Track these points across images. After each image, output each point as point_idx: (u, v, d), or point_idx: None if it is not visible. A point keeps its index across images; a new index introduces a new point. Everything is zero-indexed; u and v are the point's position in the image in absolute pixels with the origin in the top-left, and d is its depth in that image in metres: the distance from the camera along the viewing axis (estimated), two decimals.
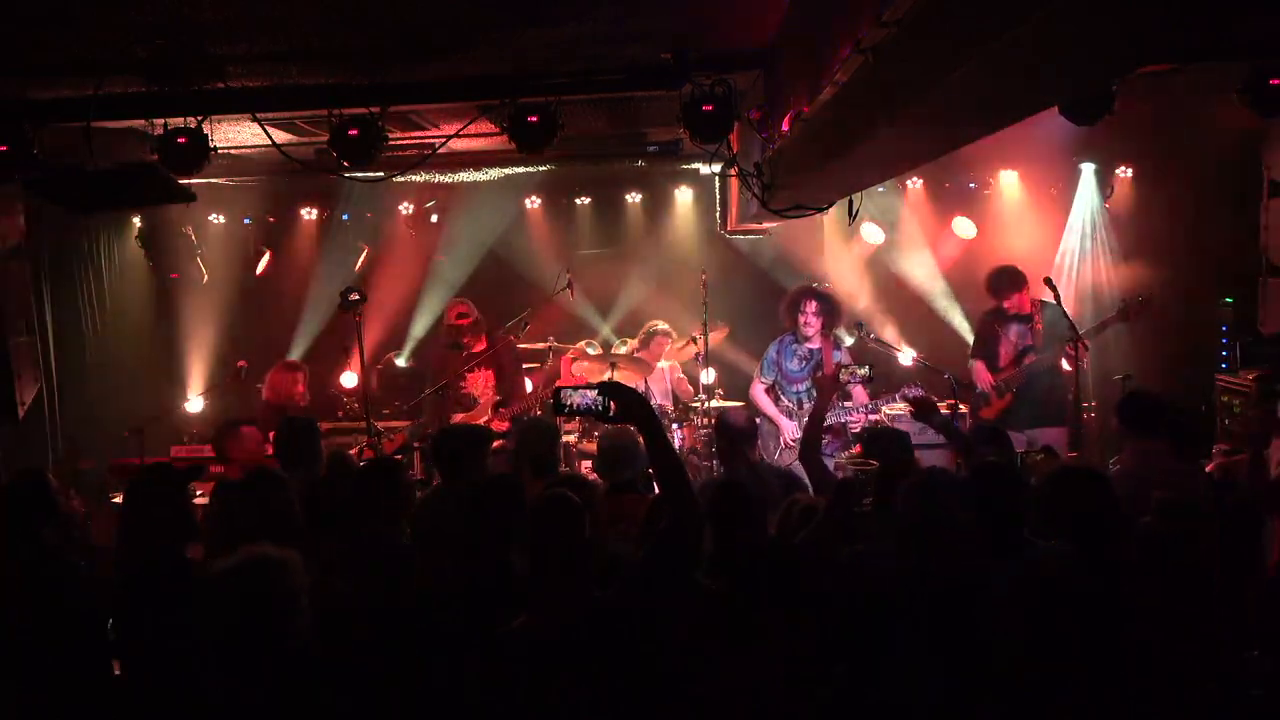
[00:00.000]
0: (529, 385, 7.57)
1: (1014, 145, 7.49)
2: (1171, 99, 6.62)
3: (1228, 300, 7.75)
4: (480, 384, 7.09)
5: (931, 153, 4.60)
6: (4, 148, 5.40)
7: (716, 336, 7.74)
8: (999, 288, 6.83)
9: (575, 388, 3.19)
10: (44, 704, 3.37)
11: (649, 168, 8.96)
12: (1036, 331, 6.73)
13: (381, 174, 6.47)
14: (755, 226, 7.79)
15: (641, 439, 3.15)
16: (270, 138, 5.72)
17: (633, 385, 6.43)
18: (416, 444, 7.06)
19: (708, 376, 7.66)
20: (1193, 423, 4.66)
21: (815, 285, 7.11)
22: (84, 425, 7.80)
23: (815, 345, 6.73)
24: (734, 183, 7.11)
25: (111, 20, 4.47)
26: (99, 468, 7.49)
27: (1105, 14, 2.25)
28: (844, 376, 4.80)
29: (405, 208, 9.51)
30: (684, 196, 9.44)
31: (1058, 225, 8.74)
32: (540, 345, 7.91)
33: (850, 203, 5.53)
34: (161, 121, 5.50)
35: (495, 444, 5.54)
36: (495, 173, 8.56)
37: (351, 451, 6.35)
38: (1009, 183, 8.81)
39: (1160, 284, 7.74)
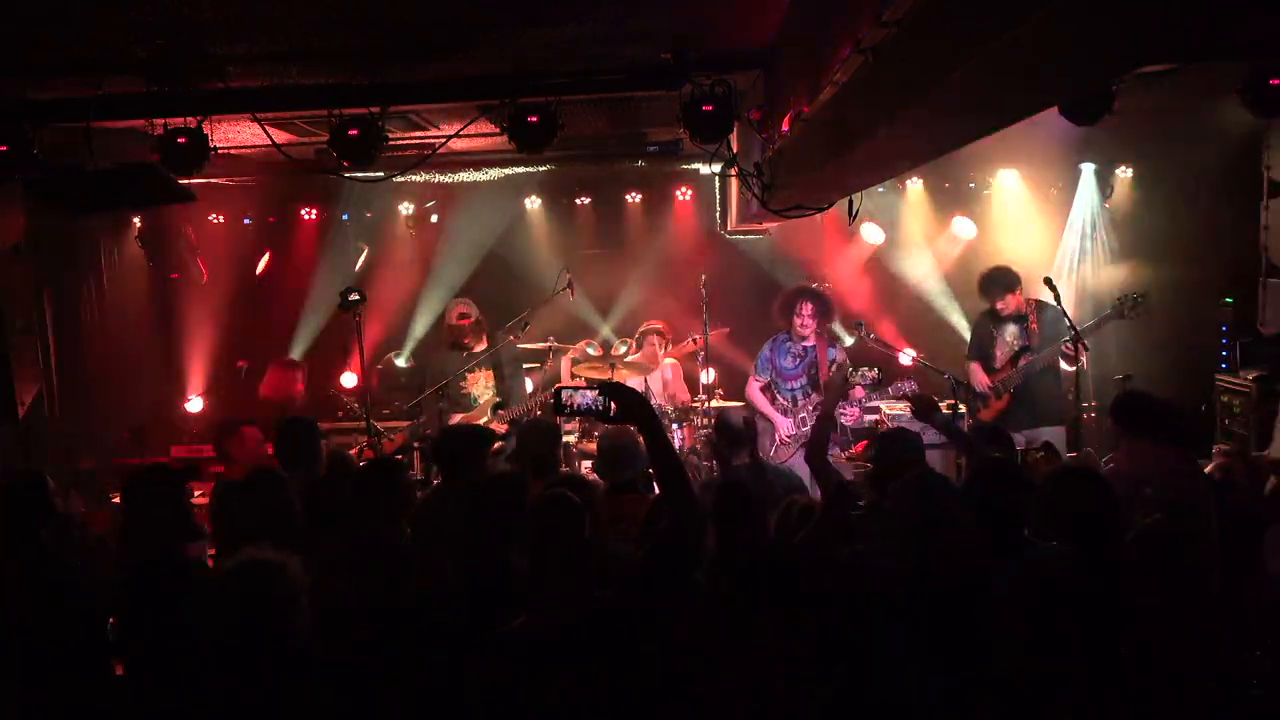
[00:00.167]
0: (529, 385, 7.57)
1: (1014, 145, 7.49)
2: (1171, 99, 6.62)
3: (1228, 300, 7.74)
4: (480, 385, 7.09)
5: (931, 153, 4.60)
6: (4, 148, 5.41)
7: (717, 336, 7.74)
8: (990, 290, 6.83)
9: (575, 388, 3.19)
10: (44, 704, 3.37)
11: (649, 168, 8.96)
12: (1032, 332, 6.72)
13: (381, 174, 6.47)
14: (755, 226, 7.79)
15: (642, 439, 3.15)
16: (270, 138, 5.72)
17: (633, 385, 6.43)
18: (416, 444, 7.06)
19: (708, 376, 7.66)
20: (1189, 422, 4.66)
21: (809, 286, 7.11)
22: (84, 425, 7.81)
23: (810, 343, 6.75)
24: (734, 183, 7.12)
25: (111, 20, 4.47)
26: (99, 468, 7.51)
27: (1105, 14, 2.25)
28: (853, 379, 4.81)
29: (405, 208, 9.51)
30: (684, 196, 9.44)
31: (1058, 225, 8.73)
32: (540, 345, 7.91)
33: (850, 203, 5.52)
34: (161, 121, 5.51)
35: (495, 446, 5.55)
36: (495, 173, 8.57)
37: (351, 451, 6.35)
38: (1009, 183, 8.80)
39: (1160, 284, 7.74)
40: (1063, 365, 6.55)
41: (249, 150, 7.03)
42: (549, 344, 7.86)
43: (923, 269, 8.97)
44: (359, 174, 6.17)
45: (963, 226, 8.89)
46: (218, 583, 2.70)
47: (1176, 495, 3.83)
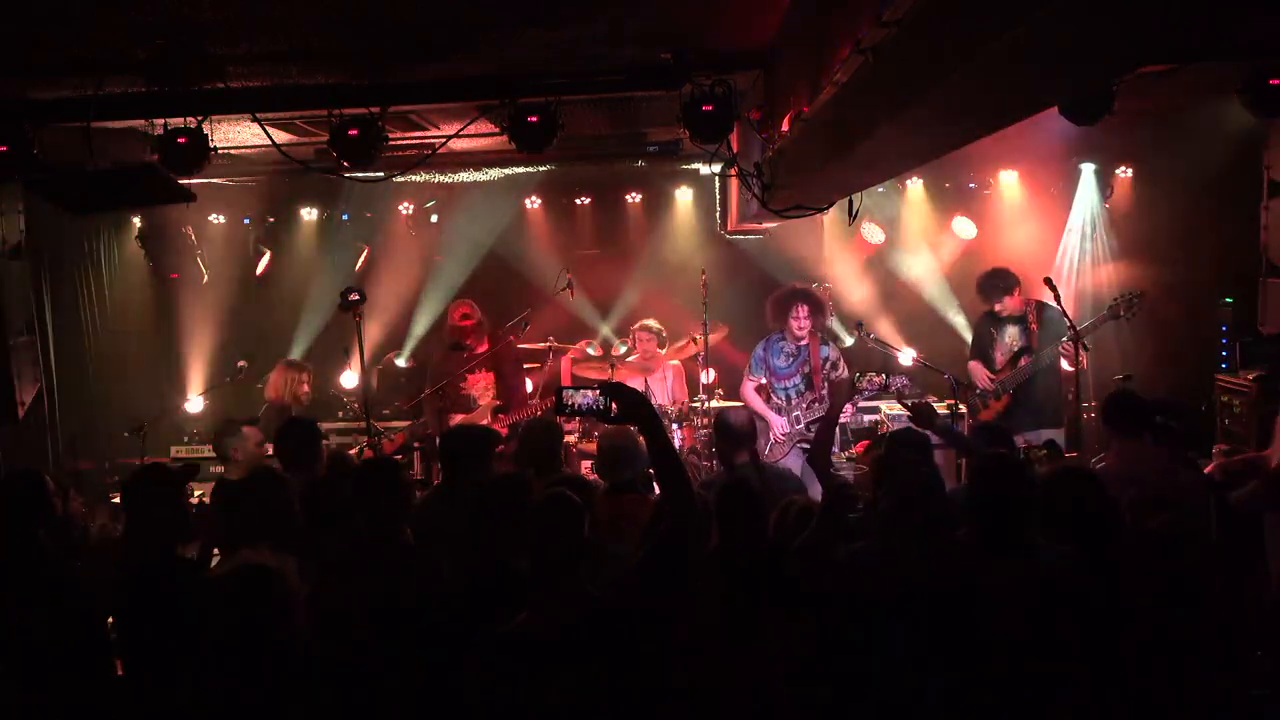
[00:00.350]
0: (529, 386, 7.57)
1: (1014, 145, 7.49)
2: (1171, 99, 6.62)
3: (1228, 300, 7.74)
4: (480, 385, 7.09)
5: (931, 153, 4.60)
6: (4, 148, 5.40)
7: (716, 336, 7.74)
8: (988, 291, 6.84)
9: (577, 388, 3.19)
10: (44, 704, 3.37)
11: (649, 168, 8.96)
12: (1032, 333, 6.72)
13: (381, 174, 6.47)
14: (755, 226, 7.79)
15: (642, 439, 3.15)
16: (270, 138, 5.72)
17: (633, 385, 6.43)
18: (416, 444, 7.06)
19: (707, 376, 7.66)
20: (1185, 421, 4.64)
21: (802, 286, 7.09)
22: (84, 425, 7.80)
23: (804, 342, 6.75)
24: (734, 183, 7.11)
25: (111, 20, 4.47)
26: (99, 468, 7.51)
27: (1105, 14, 2.25)
28: (861, 384, 4.81)
29: (405, 208, 9.51)
30: (684, 196, 9.44)
31: (1058, 225, 8.74)
32: (540, 345, 7.91)
33: (850, 203, 5.53)
34: (161, 121, 5.50)
35: (498, 448, 5.54)
36: (495, 173, 8.56)
37: (351, 452, 6.35)
38: (1009, 183, 8.81)
39: (1160, 284, 7.74)
40: (1064, 365, 6.55)
41: (249, 150, 7.02)
42: (549, 344, 7.86)
43: (923, 269, 8.98)
44: (359, 174, 6.16)
45: (963, 226, 8.89)
46: (215, 585, 2.70)
47: (1165, 495, 3.83)
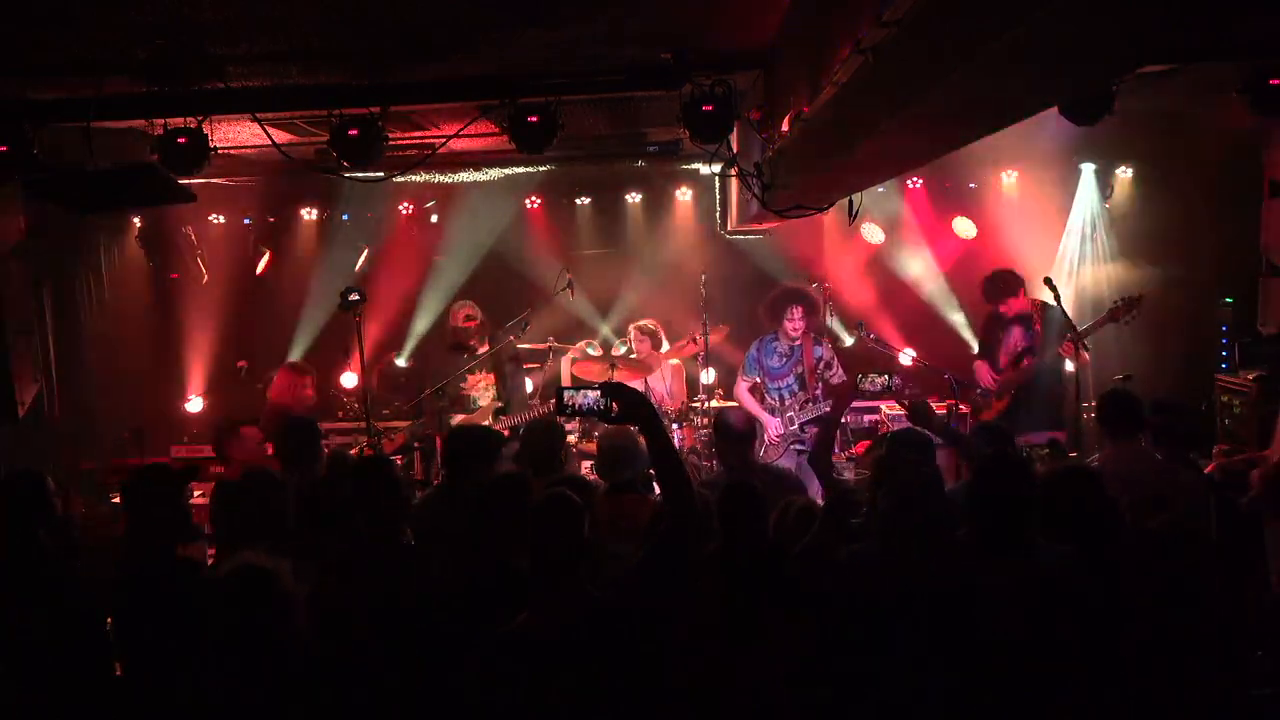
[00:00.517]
0: (529, 386, 7.57)
1: (1014, 145, 7.49)
2: (1171, 99, 6.62)
3: (1228, 300, 7.74)
4: (480, 386, 7.09)
5: (931, 153, 4.61)
6: (4, 148, 5.40)
7: (716, 336, 7.74)
8: (992, 293, 6.84)
9: (578, 388, 3.19)
10: (44, 704, 3.36)
11: (649, 168, 8.96)
12: (1036, 334, 6.72)
13: (381, 174, 6.47)
14: (755, 226, 7.79)
15: (643, 439, 3.15)
16: (270, 138, 5.72)
17: (633, 385, 6.42)
18: (416, 444, 7.06)
19: (708, 376, 7.66)
20: (1185, 421, 4.63)
21: (796, 287, 7.07)
22: (84, 425, 7.81)
23: (797, 342, 6.76)
24: (734, 183, 7.12)
25: (111, 20, 4.47)
26: (99, 468, 7.50)
27: (1105, 14, 2.25)
28: (864, 385, 4.80)
29: (405, 208, 9.51)
30: (684, 196, 9.44)
31: (1058, 225, 8.73)
32: (540, 345, 7.91)
33: (850, 203, 5.52)
34: (161, 121, 5.50)
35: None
36: (495, 173, 8.56)
37: (351, 452, 6.35)
38: (1009, 183, 8.81)
39: (1160, 284, 7.74)
40: (1068, 365, 6.54)
41: (249, 150, 7.03)
42: (549, 344, 7.86)
43: (923, 269, 8.97)
44: (359, 174, 6.16)
45: (963, 226, 8.89)
46: (214, 586, 2.71)
47: (1164, 495, 3.83)
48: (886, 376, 5.26)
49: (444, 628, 3.16)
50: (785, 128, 4.65)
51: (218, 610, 2.68)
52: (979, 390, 6.91)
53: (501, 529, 3.31)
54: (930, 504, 3.32)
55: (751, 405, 6.79)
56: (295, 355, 8.94)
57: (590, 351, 8.28)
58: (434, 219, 9.52)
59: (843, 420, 6.76)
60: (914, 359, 7.36)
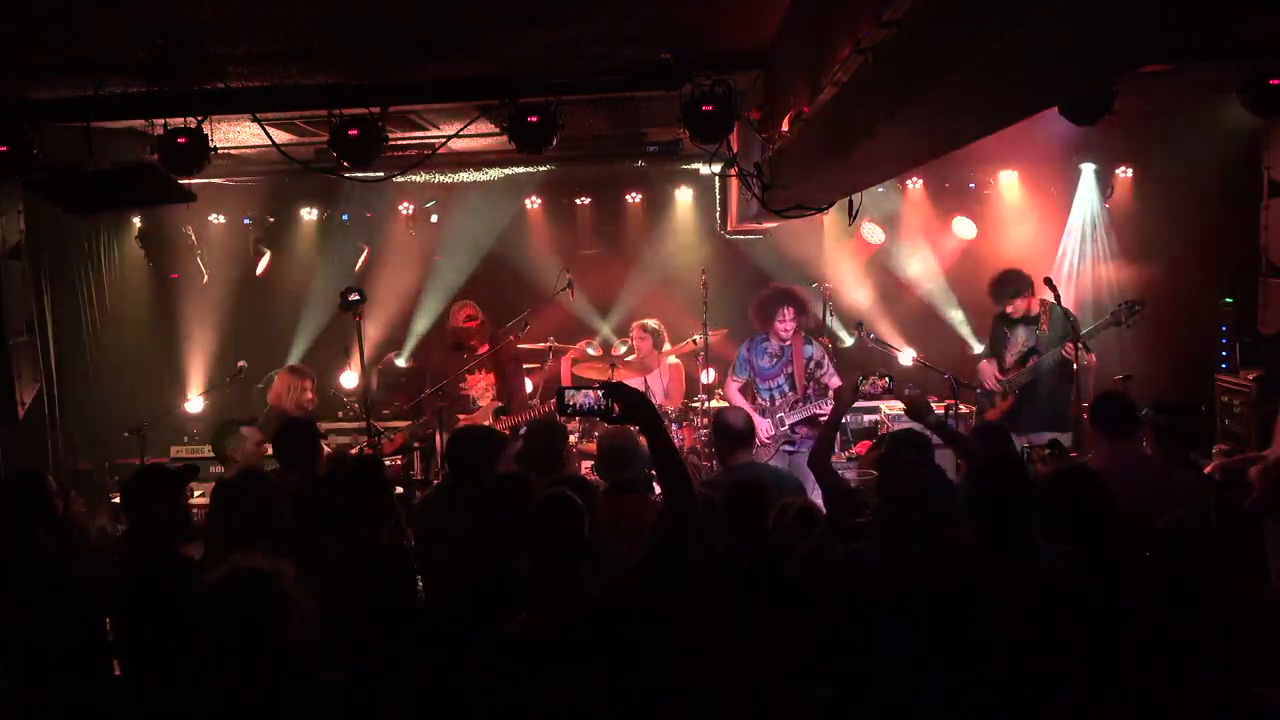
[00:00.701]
0: (529, 386, 7.57)
1: (1014, 145, 7.49)
2: (1171, 99, 6.62)
3: (1228, 300, 7.74)
4: (480, 386, 7.09)
5: (931, 153, 4.60)
6: (4, 148, 5.40)
7: (717, 336, 7.74)
8: (998, 293, 6.83)
9: (578, 388, 3.19)
10: (44, 704, 3.37)
11: (649, 168, 8.96)
12: (1043, 334, 6.72)
13: (381, 174, 6.47)
14: (755, 226, 7.79)
15: (643, 439, 3.15)
16: (270, 138, 5.72)
17: (633, 385, 6.42)
18: (416, 444, 7.06)
19: (707, 376, 7.66)
20: (1184, 421, 4.63)
21: (786, 287, 7.05)
22: (84, 425, 7.81)
23: (787, 342, 6.74)
24: (734, 183, 7.11)
25: (111, 20, 4.47)
26: (99, 468, 7.50)
27: (1105, 14, 2.25)
28: (864, 387, 4.80)
29: (405, 208, 9.50)
30: (684, 196, 9.43)
31: (1058, 225, 8.73)
32: (540, 345, 7.91)
33: (850, 203, 5.52)
34: (161, 121, 5.50)
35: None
36: (495, 173, 8.56)
37: (351, 452, 6.35)
38: (1009, 183, 8.80)
39: (1160, 284, 7.74)
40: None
41: (249, 150, 7.03)
42: (549, 344, 7.87)
43: (923, 269, 8.97)
44: (359, 174, 6.16)
45: (963, 226, 8.89)
46: (214, 586, 2.70)
47: (1163, 495, 3.83)
48: (887, 378, 5.27)
49: (444, 628, 3.16)
50: (785, 128, 4.65)
51: (217, 610, 2.68)
52: (980, 390, 6.91)
53: (502, 529, 3.31)
54: (930, 504, 3.32)
55: (741, 405, 6.79)
56: (295, 355, 8.95)
57: (590, 351, 8.29)
58: (434, 219, 9.52)
59: (843, 420, 6.74)
60: (914, 359, 7.37)
